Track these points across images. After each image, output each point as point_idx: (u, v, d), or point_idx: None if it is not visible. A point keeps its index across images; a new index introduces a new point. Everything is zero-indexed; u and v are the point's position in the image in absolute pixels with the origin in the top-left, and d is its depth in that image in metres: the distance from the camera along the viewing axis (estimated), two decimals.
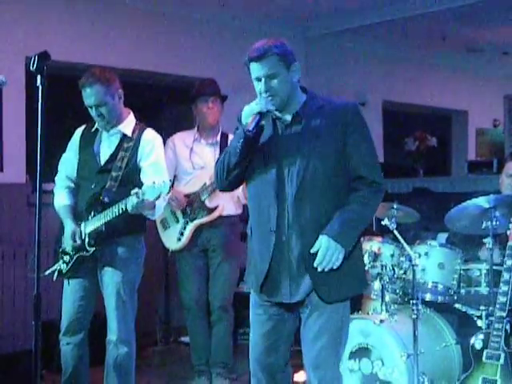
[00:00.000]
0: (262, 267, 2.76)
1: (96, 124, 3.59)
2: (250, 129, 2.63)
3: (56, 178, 3.72)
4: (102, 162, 3.54)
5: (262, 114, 2.65)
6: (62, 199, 3.65)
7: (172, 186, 4.41)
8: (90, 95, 3.43)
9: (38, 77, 2.50)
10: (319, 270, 2.65)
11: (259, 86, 2.69)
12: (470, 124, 9.43)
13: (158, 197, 3.20)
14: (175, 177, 4.45)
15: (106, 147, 3.58)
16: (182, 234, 4.38)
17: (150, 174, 3.46)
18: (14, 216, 5.14)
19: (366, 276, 2.93)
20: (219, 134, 4.46)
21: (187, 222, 4.37)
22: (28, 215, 5.07)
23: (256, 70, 2.67)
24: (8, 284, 5.05)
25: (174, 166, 4.43)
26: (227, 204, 4.37)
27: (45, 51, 2.51)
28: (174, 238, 4.42)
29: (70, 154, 3.66)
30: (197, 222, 4.35)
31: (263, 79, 2.67)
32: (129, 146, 3.53)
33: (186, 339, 5.28)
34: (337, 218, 2.68)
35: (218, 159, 2.85)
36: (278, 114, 2.73)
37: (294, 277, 2.71)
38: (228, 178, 2.80)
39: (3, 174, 5.25)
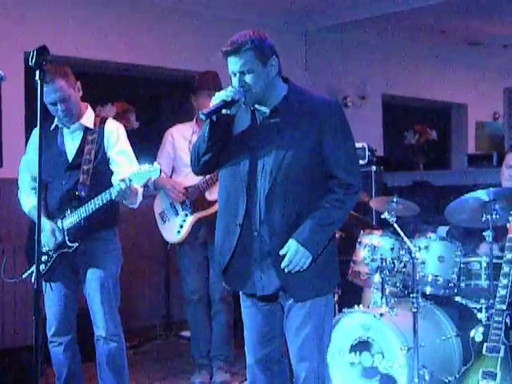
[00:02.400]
0: (223, 259, 2.78)
1: (56, 121, 3.54)
2: (205, 112, 2.61)
3: (19, 182, 3.67)
4: (70, 159, 3.51)
5: (226, 102, 2.61)
6: (29, 201, 3.59)
7: (171, 176, 4.43)
8: (53, 91, 3.37)
9: (37, 72, 2.50)
10: (286, 271, 2.66)
11: (234, 80, 2.67)
12: (469, 117, 9.42)
13: (147, 182, 3.21)
14: (173, 169, 4.45)
15: (70, 143, 3.54)
16: (181, 226, 4.37)
17: (120, 162, 3.48)
18: (13, 211, 5.13)
19: (337, 273, 2.87)
20: None
21: (187, 215, 4.36)
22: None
23: (230, 64, 2.65)
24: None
25: (173, 159, 4.43)
26: None
27: (43, 46, 2.50)
28: (173, 231, 4.41)
29: (31, 155, 3.59)
30: (196, 214, 4.35)
31: (237, 74, 2.64)
32: (93, 138, 3.51)
33: (186, 334, 5.30)
34: (308, 223, 2.66)
35: (193, 143, 2.85)
36: (248, 104, 2.69)
37: (265, 270, 2.71)
38: (199, 162, 2.80)
39: (3, 169, 5.25)
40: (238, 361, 4.48)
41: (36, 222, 3.44)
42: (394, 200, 3.96)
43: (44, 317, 3.53)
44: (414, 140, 8.18)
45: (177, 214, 4.39)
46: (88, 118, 3.55)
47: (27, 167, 3.64)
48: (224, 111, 2.62)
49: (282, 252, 2.67)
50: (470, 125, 9.38)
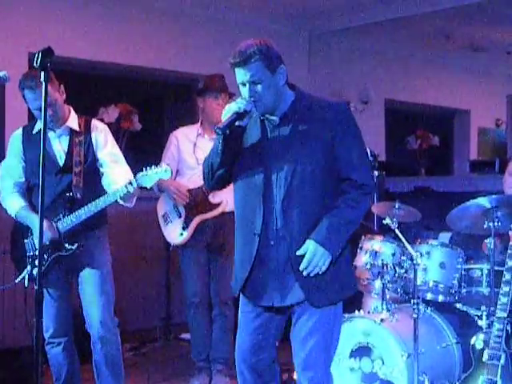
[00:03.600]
0: (243, 272, 2.75)
1: (38, 125, 3.53)
2: (221, 127, 2.60)
3: (0, 188, 3.62)
4: (61, 162, 3.51)
5: (238, 114, 2.61)
6: (16, 203, 3.55)
7: (174, 178, 4.43)
8: (39, 97, 3.31)
9: (42, 73, 2.50)
10: (304, 274, 2.64)
11: (244, 91, 2.66)
12: (472, 123, 9.42)
13: (155, 183, 3.24)
14: (177, 171, 4.45)
15: (57, 146, 3.54)
16: (184, 228, 4.37)
17: (109, 163, 3.50)
18: None
19: (354, 278, 2.91)
20: None
21: (190, 217, 4.36)
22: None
23: (240, 75, 2.64)
24: (9, 280, 5.05)
25: (177, 161, 4.43)
26: (231, 200, 4.35)
27: (48, 47, 2.50)
28: (176, 233, 4.41)
29: (13, 160, 3.58)
30: (200, 217, 4.34)
31: (247, 84, 2.63)
32: (80, 139, 3.52)
33: (186, 336, 5.29)
34: (324, 222, 2.65)
35: (205, 158, 2.84)
36: (259, 114, 2.69)
37: (284, 281, 2.70)
38: (213, 177, 2.80)
39: None
40: None
41: (23, 222, 3.49)
42: (396, 205, 3.96)
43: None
44: (417, 145, 8.18)
45: (180, 215, 4.39)
46: (73, 120, 3.56)
47: (8, 173, 3.60)
48: (237, 123, 2.62)
49: (299, 252, 2.64)
50: (473, 131, 9.38)
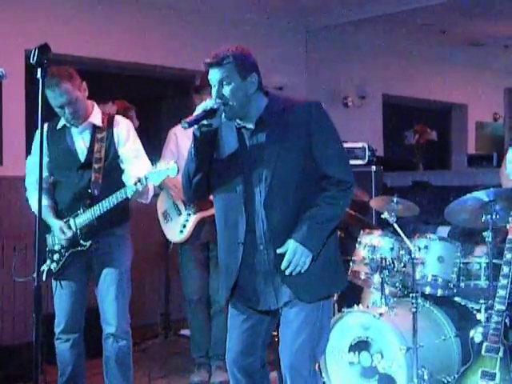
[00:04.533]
0: (229, 281, 2.78)
1: (62, 121, 3.54)
2: (188, 121, 2.63)
3: (26, 184, 3.66)
4: (82, 158, 3.52)
5: (206, 112, 2.64)
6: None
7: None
8: (59, 95, 3.36)
9: (39, 70, 2.50)
10: (287, 273, 2.66)
11: (214, 91, 2.69)
12: (469, 117, 9.43)
13: (161, 183, 3.25)
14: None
15: (79, 142, 3.55)
16: (184, 226, 4.37)
17: (130, 159, 3.49)
18: (13, 209, 5.14)
19: (344, 273, 2.94)
20: None
21: (190, 215, 4.36)
22: (27, 209, 5.06)
23: (211, 75, 2.68)
24: (8, 277, 5.05)
25: (176, 157, 4.42)
26: None
27: (45, 44, 2.50)
28: (176, 231, 4.41)
29: (37, 157, 3.49)
30: (200, 214, 4.34)
31: (216, 85, 2.67)
32: (102, 136, 3.52)
33: (186, 332, 5.30)
34: (304, 221, 2.67)
35: (183, 169, 2.85)
36: (229, 118, 2.71)
37: (274, 282, 2.72)
38: (191, 186, 2.81)
39: (3, 167, 5.25)
40: None
41: (44, 221, 3.50)
42: (394, 200, 3.97)
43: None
44: (414, 140, 8.19)
45: (180, 213, 4.40)
46: (96, 116, 3.56)
47: (33, 169, 3.60)
48: (205, 122, 2.65)
49: (279, 251, 2.67)
50: (471, 125, 9.39)
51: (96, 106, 3.61)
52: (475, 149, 9.06)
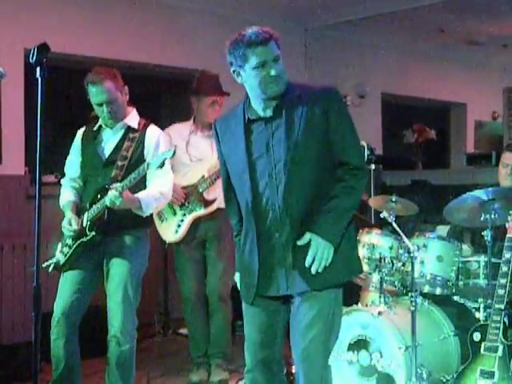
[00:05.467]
0: (251, 278, 2.76)
1: (99, 122, 3.59)
2: None
3: (62, 181, 3.78)
4: (107, 155, 3.56)
5: None
6: (66, 196, 3.68)
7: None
8: (101, 92, 3.44)
9: (38, 69, 2.50)
10: (313, 271, 2.64)
11: (263, 72, 2.63)
12: (468, 116, 9.42)
13: (163, 164, 3.24)
14: (172, 168, 4.43)
15: (111, 142, 3.59)
16: (179, 226, 4.37)
17: (154, 172, 3.43)
18: (12, 208, 5.14)
19: (358, 260, 2.90)
20: None
21: (185, 215, 4.36)
22: (27, 207, 5.07)
23: (262, 53, 2.63)
24: (7, 276, 5.06)
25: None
26: None
27: (44, 43, 2.50)
28: (171, 231, 4.41)
29: (72, 157, 3.71)
30: (194, 214, 4.34)
31: (271, 63, 2.64)
32: (134, 136, 3.55)
33: (184, 331, 5.29)
34: (323, 214, 2.67)
35: None
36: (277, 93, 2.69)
37: (289, 269, 2.70)
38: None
39: (2, 165, 5.24)
40: (236, 358, 4.49)
41: (65, 215, 3.55)
42: (393, 199, 3.97)
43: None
44: (413, 139, 8.18)
45: (174, 213, 4.39)
46: (132, 118, 3.60)
47: (68, 167, 3.75)
48: None
49: (300, 242, 2.65)
50: (469, 124, 9.39)
51: (135, 111, 3.65)
52: (474, 148, 9.05)
